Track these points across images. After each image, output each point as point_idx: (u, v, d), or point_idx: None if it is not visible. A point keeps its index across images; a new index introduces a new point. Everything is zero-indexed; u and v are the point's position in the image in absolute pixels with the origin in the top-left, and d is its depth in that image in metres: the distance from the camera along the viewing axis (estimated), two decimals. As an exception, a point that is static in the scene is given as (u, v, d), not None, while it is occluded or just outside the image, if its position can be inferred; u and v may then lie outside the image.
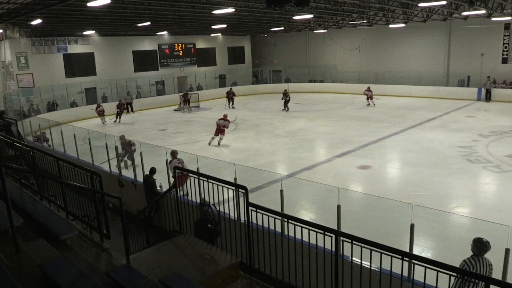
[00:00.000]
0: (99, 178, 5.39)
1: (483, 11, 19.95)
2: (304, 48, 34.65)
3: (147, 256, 5.36)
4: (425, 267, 3.86)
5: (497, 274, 4.42)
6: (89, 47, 26.22)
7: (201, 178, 5.93)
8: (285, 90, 24.56)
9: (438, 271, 3.71)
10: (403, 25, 25.44)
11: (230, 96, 25.18)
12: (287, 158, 13.72)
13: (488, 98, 24.12)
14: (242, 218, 5.31)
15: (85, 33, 24.13)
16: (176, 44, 30.62)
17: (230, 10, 15.78)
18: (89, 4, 12.14)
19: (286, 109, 22.97)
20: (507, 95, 23.66)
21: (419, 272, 4.05)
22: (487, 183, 10.90)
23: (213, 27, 24.59)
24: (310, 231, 4.58)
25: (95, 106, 21.94)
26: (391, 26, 25.96)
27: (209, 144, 15.16)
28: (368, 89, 24.07)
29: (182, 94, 25.86)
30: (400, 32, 27.98)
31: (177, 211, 6.17)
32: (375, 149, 14.08)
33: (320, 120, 19.62)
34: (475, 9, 18.73)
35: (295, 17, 20.43)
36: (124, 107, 23.02)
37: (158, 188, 8.74)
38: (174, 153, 9.18)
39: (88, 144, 11.28)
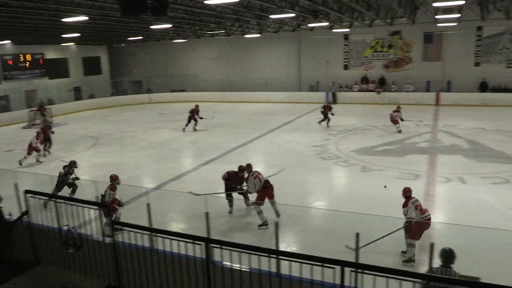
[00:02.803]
0: None
1: (326, 23, 22.22)
2: (164, 58, 34.28)
3: (-2, 295, 4.74)
4: (290, 261, 4.16)
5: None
6: None
7: (58, 201, 5.47)
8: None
9: (301, 263, 4.03)
10: (258, 35, 26.95)
11: None
12: (153, 170, 13.40)
13: (334, 101, 26.89)
14: (108, 238, 5.04)
15: None
16: (21, 55, 27.62)
17: (83, 18, 14.72)
18: None
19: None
20: (349, 97, 26.75)
21: (285, 266, 4.34)
22: (338, 176, 12.13)
23: (64, 36, 22.81)
24: (180, 242, 4.57)
25: None
26: (247, 36, 27.29)
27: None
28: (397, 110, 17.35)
29: (36, 108, 23.41)
30: (256, 42, 29.59)
31: (31, 240, 5.57)
32: (239, 154, 14.62)
33: (186, 129, 19.62)
34: (319, 21, 20.73)
35: (152, 27, 20.12)
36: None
37: (7, 216, 7.76)
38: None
39: None
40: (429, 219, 6.65)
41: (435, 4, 15.41)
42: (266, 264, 4.29)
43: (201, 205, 5.45)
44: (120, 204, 8.08)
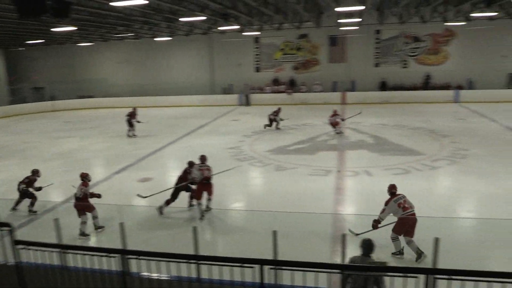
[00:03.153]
0: None
1: (237, 26, 22.53)
2: (70, 62, 32.36)
3: None
4: (211, 264, 4.18)
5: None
6: None
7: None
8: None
9: (221, 265, 4.08)
10: (169, 38, 26.52)
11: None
12: (60, 183, 12.54)
13: (247, 102, 27.35)
14: (10, 260, 4.64)
15: None
16: None
17: (-30, 20, 13.43)
18: None
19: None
20: (261, 99, 27.40)
21: (205, 271, 4.35)
22: (254, 177, 12.37)
23: None
24: (94, 256, 4.36)
25: None
26: (157, 39, 26.71)
27: None
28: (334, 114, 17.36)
29: None
30: (167, 45, 29.10)
31: None
32: (154, 160, 14.28)
33: (94, 138, 18.67)
34: (230, 25, 20.97)
35: (54, 29, 18.86)
36: None
37: None
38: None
39: None
40: (413, 214, 6.75)
41: (337, 9, 16.36)
42: (186, 270, 4.26)
43: (115, 215, 5.24)
44: (98, 196, 8.32)
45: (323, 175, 11.55)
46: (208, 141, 16.64)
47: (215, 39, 29.06)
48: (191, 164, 9.38)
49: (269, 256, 4.61)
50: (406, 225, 6.67)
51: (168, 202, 9.07)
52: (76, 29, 19.69)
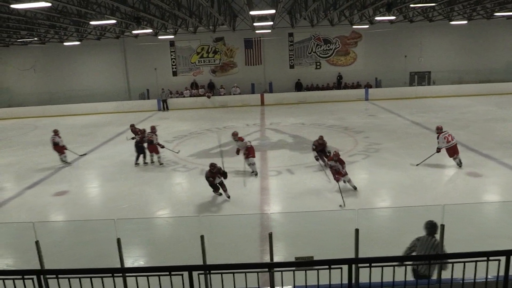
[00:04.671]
0: None
1: (150, 30, 22.00)
2: (-37, 71, 29.41)
3: None
4: (136, 276, 4.04)
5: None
6: None
7: None
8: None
9: (148, 276, 3.95)
10: (78, 42, 25.16)
11: None
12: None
13: (166, 107, 26.83)
14: None
15: None
16: None
17: None
18: None
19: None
20: (181, 103, 27.07)
21: (131, 282, 4.19)
22: (178, 182, 12.14)
23: None
24: (7, 280, 4.01)
25: None
26: (66, 44, 25.20)
27: None
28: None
29: None
30: (77, 50, 27.59)
31: None
32: (70, 171, 13.46)
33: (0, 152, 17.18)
34: (143, 28, 20.41)
35: None
36: None
37: None
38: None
39: None
40: (454, 144, 11.20)
41: (251, 13, 16.65)
42: (111, 285, 4.07)
43: (30, 234, 4.85)
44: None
45: (247, 176, 11.68)
46: (127, 149, 16.00)
47: (128, 43, 28.13)
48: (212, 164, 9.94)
49: (199, 262, 4.58)
50: (451, 150, 11.18)
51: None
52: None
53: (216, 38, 27.94)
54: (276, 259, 5.24)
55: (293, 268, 4.28)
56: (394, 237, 7.46)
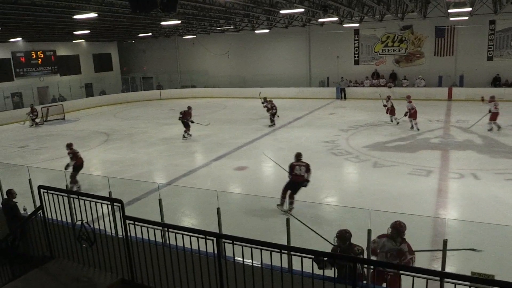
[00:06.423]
0: None
1: (336, 18, 22.06)
2: (174, 54, 34.38)
3: (13, 289, 4.80)
4: (301, 257, 4.16)
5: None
6: None
7: (71, 196, 5.51)
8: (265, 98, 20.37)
9: (308, 258, 4.04)
10: (267, 30, 26.85)
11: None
12: (164, 166, 13.46)
13: (344, 96, 26.72)
14: (120, 233, 5.07)
15: None
16: (33, 52, 27.89)
17: (93, 15, 14.80)
18: None
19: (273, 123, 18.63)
20: (360, 93, 26.57)
21: (297, 262, 4.34)
22: (349, 172, 12.07)
23: (75, 33, 22.95)
24: (192, 237, 4.58)
25: None
26: (256, 31, 27.20)
27: None
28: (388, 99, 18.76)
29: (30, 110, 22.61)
30: (265, 38, 29.48)
31: (46, 235, 5.63)
32: (250, 150, 14.61)
33: (195, 125, 19.64)
34: (329, 16, 20.59)
35: (162, 23, 20.14)
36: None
37: (22, 211, 7.85)
38: None
39: None
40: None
41: (448, -2, 15.21)
42: (278, 259, 4.28)
43: (212, 200, 5.45)
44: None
45: (424, 175, 10.89)
46: (303, 134, 16.60)
47: (313, 31, 28.77)
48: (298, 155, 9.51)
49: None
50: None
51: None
52: (181, 23, 20.83)
53: (403, 26, 26.40)
54: (447, 269, 4.77)
55: (468, 284, 3.83)
56: None
